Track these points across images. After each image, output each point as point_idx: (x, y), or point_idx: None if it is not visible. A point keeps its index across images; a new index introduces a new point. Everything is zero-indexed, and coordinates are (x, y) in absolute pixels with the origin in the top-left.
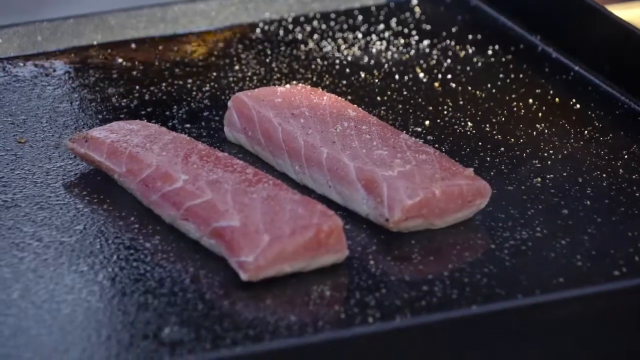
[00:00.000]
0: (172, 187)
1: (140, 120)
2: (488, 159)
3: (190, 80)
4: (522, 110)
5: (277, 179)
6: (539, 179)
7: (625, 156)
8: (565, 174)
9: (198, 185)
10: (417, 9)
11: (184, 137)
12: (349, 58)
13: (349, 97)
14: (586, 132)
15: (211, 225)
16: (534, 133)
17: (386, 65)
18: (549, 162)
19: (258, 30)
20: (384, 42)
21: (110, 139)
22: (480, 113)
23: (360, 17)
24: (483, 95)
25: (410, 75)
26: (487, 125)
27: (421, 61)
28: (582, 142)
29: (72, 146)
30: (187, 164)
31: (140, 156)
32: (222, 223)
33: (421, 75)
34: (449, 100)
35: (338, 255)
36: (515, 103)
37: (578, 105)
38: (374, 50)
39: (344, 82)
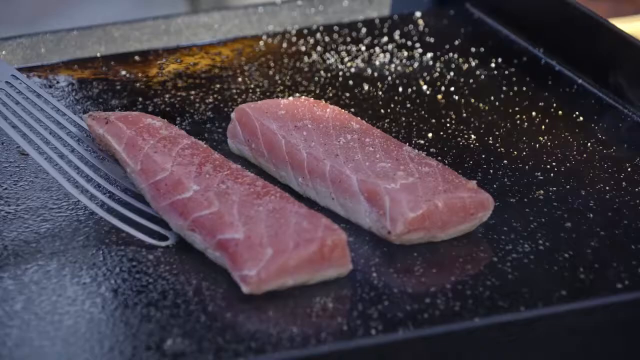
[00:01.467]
0: (181, 197)
1: None
2: (491, 171)
3: (193, 92)
4: (525, 123)
5: (284, 192)
6: (542, 192)
7: (629, 169)
8: (568, 186)
9: (207, 196)
10: (420, 22)
11: (202, 144)
12: (352, 70)
13: (352, 110)
14: (589, 144)
15: (216, 237)
16: (537, 145)
17: (389, 78)
18: (552, 175)
19: (261, 43)
20: (388, 55)
21: (131, 130)
22: (483, 125)
23: (363, 30)
24: (486, 107)
25: (414, 88)
26: (490, 137)
27: (424, 74)
28: (585, 155)
29: (91, 123)
30: (200, 173)
31: (157, 158)
32: (226, 235)
33: (424, 87)
34: (452, 113)
35: (342, 269)
36: (518, 116)
37: (581, 118)
38: (377, 63)
39: (347, 94)
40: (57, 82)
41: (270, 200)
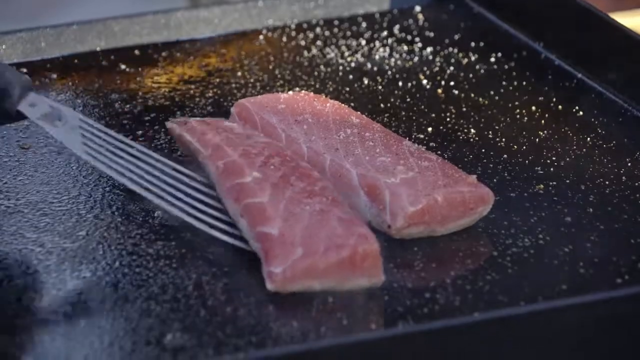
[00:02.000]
0: (240, 181)
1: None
2: (491, 165)
3: (193, 87)
4: (525, 117)
5: (339, 197)
6: (542, 186)
7: (629, 163)
8: (568, 181)
9: (262, 185)
10: (420, 16)
11: (277, 144)
12: (352, 65)
13: (352, 104)
14: (589, 139)
15: (256, 228)
16: (537, 140)
17: (389, 72)
18: (552, 169)
19: (261, 37)
20: (387, 49)
21: (205, 126)
22: (483, 120)
23: (363, 24)
24: (486, 102)
25: (414, 82)
26: (490, 132)
27: (424, 68)
28: (585, 149)
29: (171, 126)
30: (266, 163)
31: (227, 146)
32: (264, 228)
33: (424, 82)
34: (451, 107)
35: (374, 279)
36: (518, 110)
37: (581, 113)
38: (377, 57)
39: (347, 88)
40: (57, 77)
41: (319, 202)
